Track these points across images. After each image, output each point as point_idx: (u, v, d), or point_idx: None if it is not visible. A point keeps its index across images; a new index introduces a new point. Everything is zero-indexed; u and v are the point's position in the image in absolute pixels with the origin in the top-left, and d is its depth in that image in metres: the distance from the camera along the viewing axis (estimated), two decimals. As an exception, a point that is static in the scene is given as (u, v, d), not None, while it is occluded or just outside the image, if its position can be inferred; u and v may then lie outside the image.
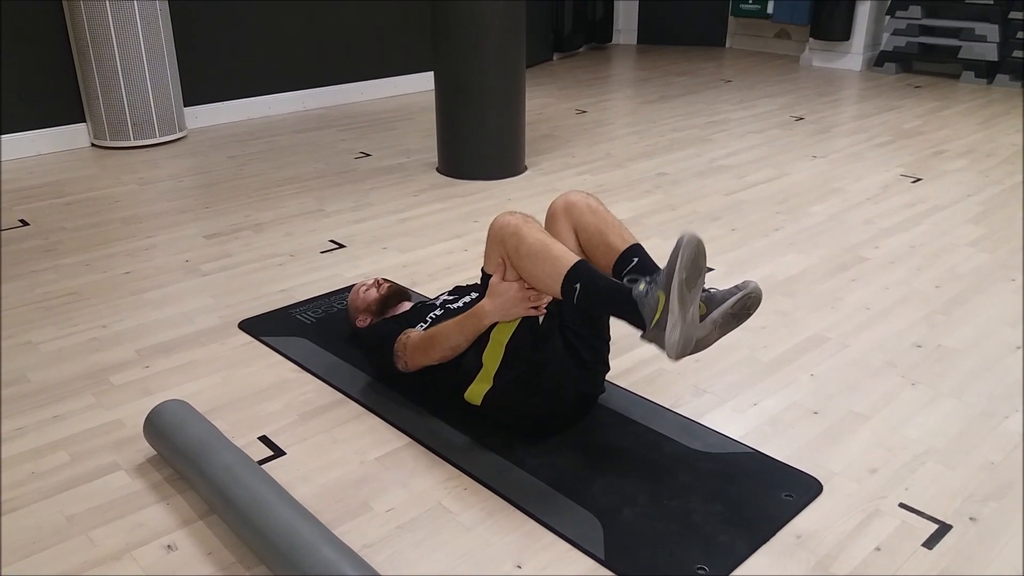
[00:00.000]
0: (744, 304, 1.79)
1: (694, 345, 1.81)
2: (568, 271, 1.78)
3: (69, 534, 1.70)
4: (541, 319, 1.90)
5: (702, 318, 1.79)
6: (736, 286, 1.81)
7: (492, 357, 1.91)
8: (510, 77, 3.88)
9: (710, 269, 2.96)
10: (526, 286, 1.86)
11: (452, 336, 1.94)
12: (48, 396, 2.19)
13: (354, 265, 3.03)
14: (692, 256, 1.68)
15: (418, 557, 1.64)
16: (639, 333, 1.77)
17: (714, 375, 2.29)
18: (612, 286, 1.79)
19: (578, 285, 1.77)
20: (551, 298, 1.91)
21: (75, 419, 2.09)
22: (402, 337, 2.06)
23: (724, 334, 1.83)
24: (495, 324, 1.90)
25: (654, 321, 1.71)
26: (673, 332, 1.69)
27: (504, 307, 1.87)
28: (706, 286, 1.85)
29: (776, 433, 2.03)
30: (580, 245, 1.98)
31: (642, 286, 1.74)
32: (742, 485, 1.83)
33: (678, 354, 1.72)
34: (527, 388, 1.91)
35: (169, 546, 1.67)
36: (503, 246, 1.87)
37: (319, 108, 5.48)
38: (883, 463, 1.92)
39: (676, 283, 1.67)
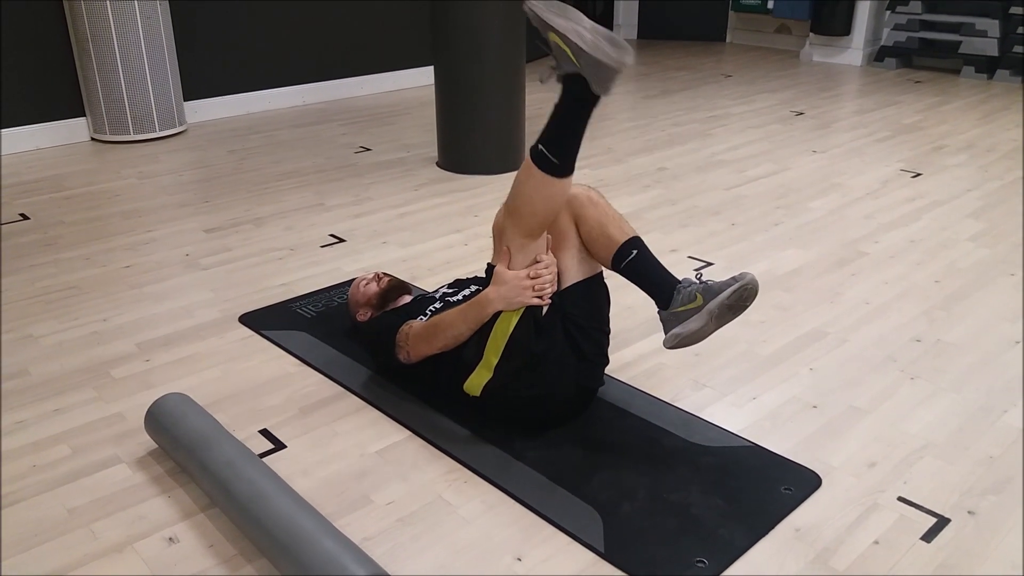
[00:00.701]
0: (741, 295, 1.81)
1: (691, 336, 1.85)
2: (528, 155, 1.83)
3: (70, 527, 1.71)
4: (544, 310, 1.90)
5: (697, 310, 1.83)
6: (733, 277, 1.83)
7: (494, 348, 1.91)
8: (510, 72, 3.88)
9: (709, 263, 2.97)
10: (532, 274, 1.86)
11: (456, 324, 1.94)
12: (49, 390, 2.20)
13: (354, 259, 3.04)
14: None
15: (418, 550, 1.65)
16: (647, 305, 1.86)
17: (713, 369, 2.30)
18: (554, 109, 1.83)
19: (539, 144, 1.82)
20: (555, 288, 1.91)
21: (76, 412, 2.10)
22: (404, 327, 2.06)
23: (720, 326, 1.85)
24: (498, 314, 1.90)
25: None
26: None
27: (508, 295, 1.86)
28: (703, 278, 1.87)
29: (775, 427, 2.04)
30: (581, 237, 1.99)
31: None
32: (741, 479, 1.83)
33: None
34: (527, 380, 1.91)
35: (170, 539, 1.68)
36: (503, 232, 1.89)
37: (319, 103, 5.48)
38: (882, 457, 1.92)
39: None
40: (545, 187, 1.80)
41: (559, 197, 1.85)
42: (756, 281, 1.81)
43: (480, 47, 3.76)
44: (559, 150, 1.79)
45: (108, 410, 2.11)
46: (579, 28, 1.68)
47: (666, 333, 1.91)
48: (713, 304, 1.82)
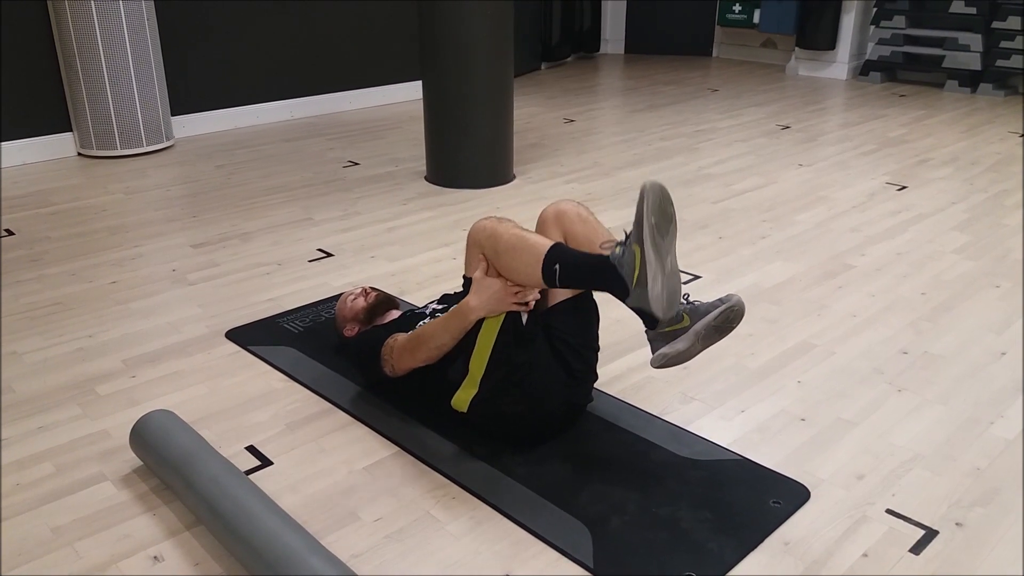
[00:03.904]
0: (727, 317, 1.81)
1: (678, 356, 1.84)
2: (545, 255, 1.80)
3: (54, 546, 1.69)
4: (525, 318, 1.91)
5: (684, 330, 1.82)
6: (720, 299, 1.84)
7: (478, 362, 1.91)
8: (498, 86, 3.89)
9: (697, 276, 2.98)
10: (511, 284, 1.87)
11: (437, 335, 1.94)
12: (33, 407, 2.18)
13: (342, 274, 3.03)
14: (657, 202, 1.69)
15: (406, 567, 1.64)
16: (635, 318, 1.77)
17: (702, 382, 2.30)
18: (589, 258, 1.82)
19: (557, 266, 1.79)
20: (537, 291, 1.92)
21: (60, 430, 2.08)
22: (389, 341, 2.06)
23: (707, 347, 1.86)
24: (480, 326, 1.89)
25: (635, 278, 1.73)
26: (655, 285, 1.71)
27: (489, 302, 1.87)
28: (691, 299, 1.88)
29: (764, 440, 2.04)
30: None
31: (617, 249, 1.77)
32: (730, 492, 1.83)
33: (664, 311, 1.73)
34: (513, 393, 1.91)
35: (155, 557, 1.66)
36: (482, 249, 1.89)
37: (307, 117, 5.48)
38: (870, 469, 1.93)
39: (647, 231, 1.70)
40: (535, 277, 1.83)
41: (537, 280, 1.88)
42: (743, 303, 1.82)
43: (468, 61, 3.77)
44: (564, 282, 1.82)
45: (93, 427, 2.09)
46: (661, 274, 1.69)
47: (653, 353, 1.91)
48: (700, 325, 1.83)
